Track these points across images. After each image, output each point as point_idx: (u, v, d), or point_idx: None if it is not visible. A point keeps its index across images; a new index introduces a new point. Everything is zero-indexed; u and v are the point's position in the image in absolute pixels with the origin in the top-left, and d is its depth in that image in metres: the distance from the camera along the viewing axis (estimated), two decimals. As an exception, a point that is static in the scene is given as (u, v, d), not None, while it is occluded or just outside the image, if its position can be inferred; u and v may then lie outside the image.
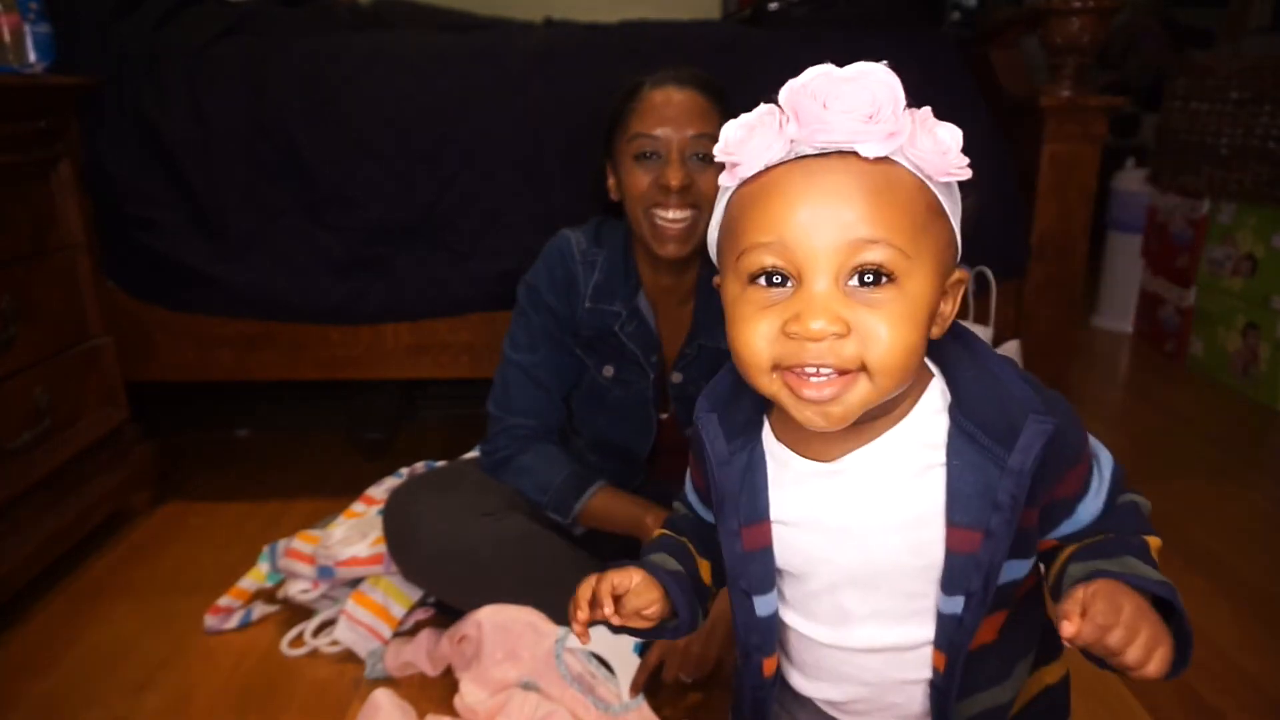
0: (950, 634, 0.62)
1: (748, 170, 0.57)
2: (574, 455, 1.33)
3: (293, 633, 1.33)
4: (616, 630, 0.70)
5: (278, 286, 1.60)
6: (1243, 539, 1.61)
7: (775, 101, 0.57)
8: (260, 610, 1.39)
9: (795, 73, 0.55)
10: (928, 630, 0.64)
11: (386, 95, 1.57)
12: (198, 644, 1.33)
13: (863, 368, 0.55)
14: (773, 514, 0.66)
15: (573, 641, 1.17)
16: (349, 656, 1.28)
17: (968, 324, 1.48)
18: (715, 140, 1.20)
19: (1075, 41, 1.49)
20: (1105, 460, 0.66)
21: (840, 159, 0.55)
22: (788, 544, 0.66)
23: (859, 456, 0.62)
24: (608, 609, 0.66)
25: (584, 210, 1.36)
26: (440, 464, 1.52)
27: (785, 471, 0.65)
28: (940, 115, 0.56)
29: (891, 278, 0.54)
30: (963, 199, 0.60)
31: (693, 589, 0.73)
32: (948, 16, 1.91)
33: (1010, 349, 1.59)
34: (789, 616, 0.70)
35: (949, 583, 0.61)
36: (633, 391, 1.31)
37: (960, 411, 0.60)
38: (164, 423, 1.87)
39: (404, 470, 1.55)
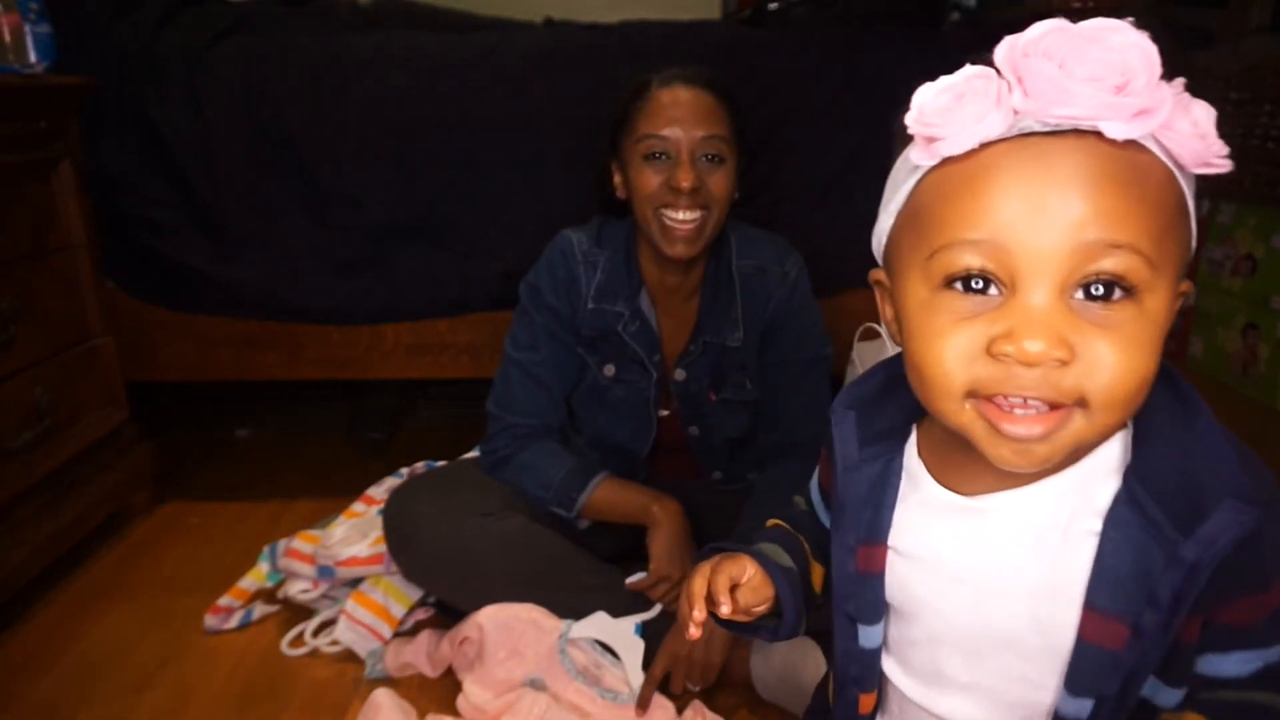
0: None
1: (954, 147, 0.46)
2: (575, 452, 1.33)
3: (293, 633, 1.32)
4: (721, 624, 0.64)
5: (278, 286, 1.60)
6: (1243, 539, 1.60)
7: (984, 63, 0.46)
8: (260, 610, 1.38)
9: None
10: None
11: (387, 95, 1.57)
12: (198, 644, 1.33)
13: (1080, 401, 0.45)
14: (891, 539, 0.58)
15: (575, 632, 1.17)
16: (349, 656, 1.28)
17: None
18: (725, 141, 1.21)
19: (1075, 41, 1.49)
20: None
21: (1077, 139, 0.44)
22: (899, 577, 0.58)
23: (1004, 499, 0.52)
24: (725, 608, 0.60)
25: (584, 210, 1.36)
26: (440, 464, 1.52)
27: (916, 494, 0.57)
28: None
29: (1131, 292, 0.44)
30: None
31: (802, 591, 0.65)
32: (948, 16, 1.91)
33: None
34: (885, 658, 0.62)
35: (1076, 680, 0.50)
36: (633, 390, 1.31)
37: (1136, 474, 0.49)
38: (164, 423, 1.87)
39: (404, 470, 1.55)
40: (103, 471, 1.59)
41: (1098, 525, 0.50)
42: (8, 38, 1.43)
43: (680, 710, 1.13)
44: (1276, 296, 2.24)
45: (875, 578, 0.59)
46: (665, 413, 1.34)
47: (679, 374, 1.30)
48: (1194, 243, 0.49)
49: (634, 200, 1.20)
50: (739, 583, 0.62)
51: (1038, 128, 0.45)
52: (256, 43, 1.62)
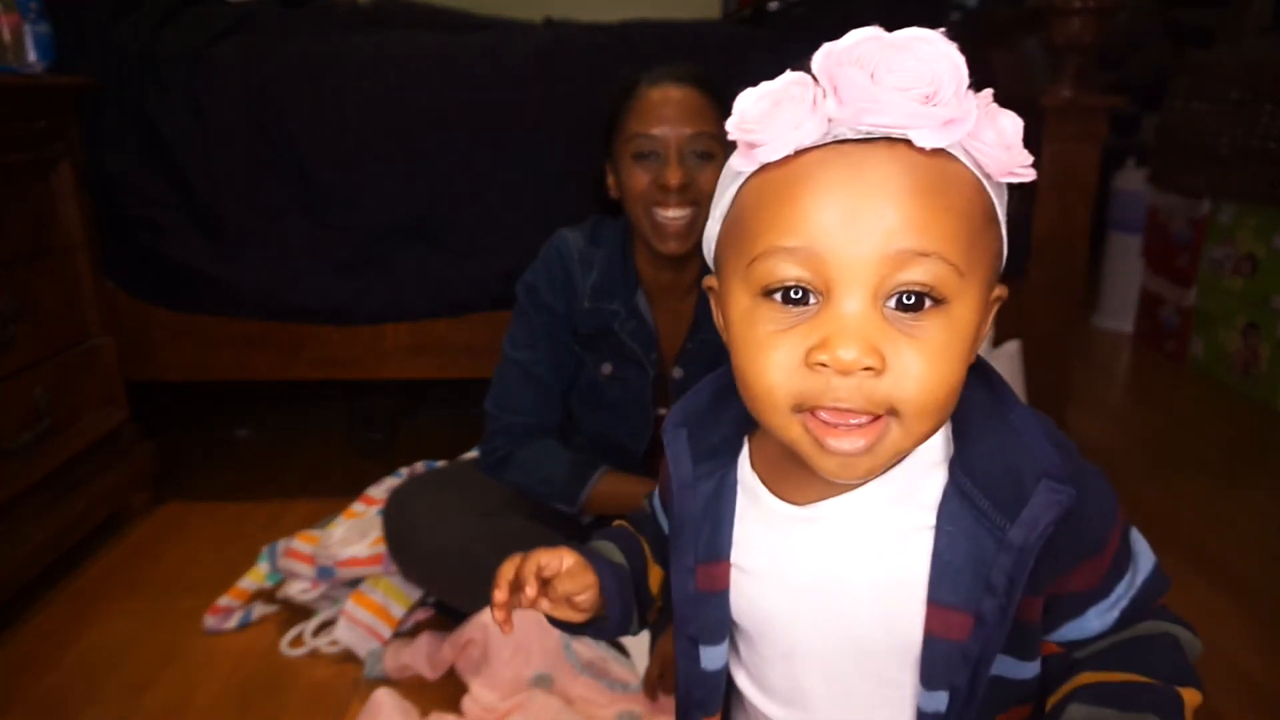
0: None
1: (771, 153, 0.46)
2: (573, 449, 1.33)
3: (292, 633, 1.33)
4: (551, 623, 0.63)
5: (278, 286, 1.60)
6: (1243, 539, 1.61)
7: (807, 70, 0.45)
8: (260, 610, 1.39)
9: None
10: None
11: (387, 95, 1.57)
12: (198, 644, 1.33)
13: (891, 410, 0.45)
14: (733, 556, 0.57)
15: None
16: (349, 656, 1.28)
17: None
18: (714, 138, 1.20)
19: (1076, 41, 1.48)
20: (1144, 564, 0.55)
21: (888, 148, 0.44)
22: (743, 594, 0.57)
23: (836, 505, 0.53)
24: (530, 591, 0.59)
25: (584, 210, 1.36)
26: (440, 464, 1.52)
27: (754, 508, 0.56)
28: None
29: (939, 301, 0.45)
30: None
31: (633, 588, 0.65)
32: (948, 16, 1.91)
33: (1010, 350, 1.59)
34: (742, 680, 0.61)
35: (930, 674, 0.51)
36: (630, 388, 1.31)
37: (961, 467, 0.50)
38: (164, 423, 1.87)
39: (404, 470, 1.55)
40: (102, 472, 1.59)
41: (929, 519, 0.50)
42: (7, 37, 1.43)
43: None
44: (1276, 296, 2.24)
45: (717, 596, 0.58)
46: (664, 411, 1.34)
47: (677, 372, 1.30)
48: (1005, 249, 0.50)
49: (625, 199, 1.21)
50: (553, 573, 0.61)
51: (851, 135, 0.45)
52: (256, 43, 1.62)
